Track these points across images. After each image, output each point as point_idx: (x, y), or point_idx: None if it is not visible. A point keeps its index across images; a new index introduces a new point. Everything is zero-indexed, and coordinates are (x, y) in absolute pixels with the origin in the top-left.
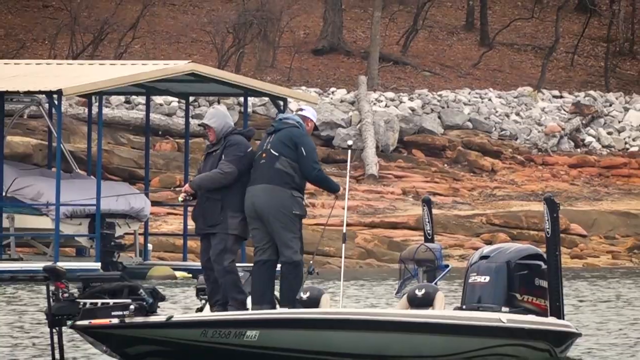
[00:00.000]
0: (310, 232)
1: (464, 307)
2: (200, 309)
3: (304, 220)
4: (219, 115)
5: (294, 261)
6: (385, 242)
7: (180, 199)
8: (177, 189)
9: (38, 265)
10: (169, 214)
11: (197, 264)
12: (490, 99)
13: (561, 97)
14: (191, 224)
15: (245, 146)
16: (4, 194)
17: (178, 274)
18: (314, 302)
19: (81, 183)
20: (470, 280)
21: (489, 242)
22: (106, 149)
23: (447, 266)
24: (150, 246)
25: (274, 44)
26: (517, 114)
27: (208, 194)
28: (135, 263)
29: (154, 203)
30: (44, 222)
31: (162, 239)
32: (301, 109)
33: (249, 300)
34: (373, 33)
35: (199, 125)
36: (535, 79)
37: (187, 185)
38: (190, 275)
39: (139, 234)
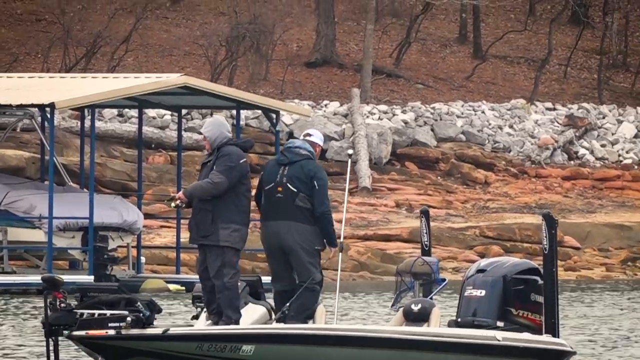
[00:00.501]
0: None
1: (459, 320)
2: (196, 317)
3: None
4: (215, 124)
5: (316, 280)
6: (379, 255)
7: (172, 204)
8: (168, 201)
9: (31, 278)
10: (162, 226)
11: (190, 276)
12: (483, 112)
13: (554, 109)
14: (184, 237)
15: (237, 157)
16: None
17: (171, 286)
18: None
19: (74, 196)
20: (466, 294)
21: (482, 255)
22: (99, 162)
23: (443, 280)
24: (143, 259)
25: (266, 57)
26: (511, 127)
27: (200, 204)
28: (128, 276)
29: (147, 216)
30: (37, 235)
31: (155, 251)
32: (309, 134)
33: (242, 320)
34: (366, 46)
35: (199, 132)
36: (528, 91)
37: (181, 192)
38: (184, 288)
39: (132, 247)
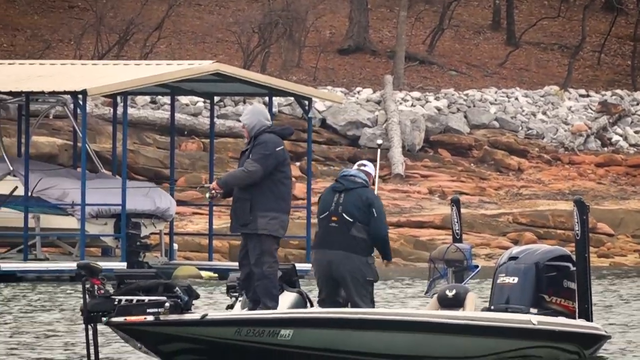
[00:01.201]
0: None
1: (492, 307)
2: (230, 307)
3: None
4: (253, 112)
5: None
6: (412, 242)
7: (207, 195)
8: (201, 187)
9: (64, 265)
10: (194, 213)
11: (223, 263)
12: (516, 98)
13: (588, 96)
14: (216, 224)
15: (273, 145)
16: (29, 194)
17: (204, 273)
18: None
19: (106, 183)
20: (498, 281)
21: (515, 242)
22: (132, 149)
23: (476, 266)
24: (175, 246)
25: (299, 44)
26: (544, 113)
27: (239, 193)
28: (160, 263)
29: (180, 203)
30: (70, 222)
31: (187, 238)
32: (364, 164)
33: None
34: (399, 32)
35: (239, 121)
36: (561, 77)
37: (215, 182)
38: (216, 275)
39: (165, 234)
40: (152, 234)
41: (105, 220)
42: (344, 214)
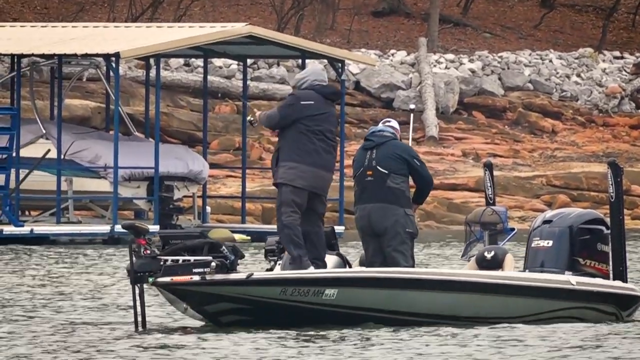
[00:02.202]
0: None
1: (526, 271)
2: (270, 270)
3: None
4: (306, 70)
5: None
6: (445, 204)
7: (249, 117)
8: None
9: (97, 228)
10: (227, 176)
11: (256, 226)
12: (550, 60)
13: (622, 57)
14: (250, 186)
15: (299, 98)
16: (62, 157)
17: (237, 236)
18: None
19: (139, 146)
20: (533, 245)
21: (548, 204)
22: (165, 111)
23: (512, 229)
24: (208, 209)
25: (333, 6)
26: (578, 75)
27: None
28: (193, 226)
29: (213, 165)
30: (102, 185)
31: (220, 201)
32: (388, 121)
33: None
34: None
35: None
36: (596, 40)
37: (261, 112)
38: (249, 237)
39: (198, 197)
40: (184, 196)
41: (138, 183)
42: (378, 167)
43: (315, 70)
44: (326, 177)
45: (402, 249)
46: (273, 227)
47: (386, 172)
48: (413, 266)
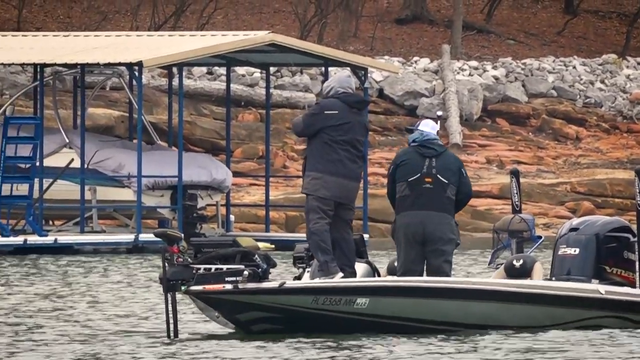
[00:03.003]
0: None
1: (553, 278)
2: (298, 278)
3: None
4: (332, 78)
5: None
6: (469, 211)
7: None
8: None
9: (121, 237)
10: (251, 184)
11: (280, 234)
12: (574, 67)
13: None
14: (273, 195)
15: (322, 107)
16: (86, 166)
17: (261, 245)
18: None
19: (162, 155)
20: (559, 252)
21: (573, 211)
22: (188, 120)
23: (540, 237)
24: (232, 217)
25: (356, 14)
26: (602, 82)
27: None
28: (217, 234)
29: (236, 174)
30: (126, 194)
31: (244, 210)
32: (426, 124)
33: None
34: (456, 1)
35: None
36: (620, 46)
37: None
38: (273, 246)
39: (221, 205)
40: (208, 205)
41: (162, 192)
42: (438, 176)
43: (341, 78)
44: (351, 186)
45: (450, 259)
46: (297, 235)
47: (446, 182)
48: (450, 270)
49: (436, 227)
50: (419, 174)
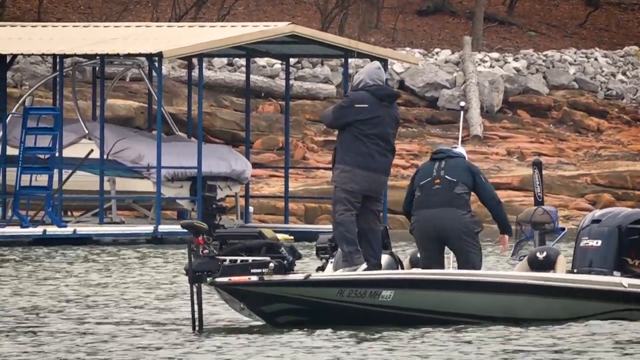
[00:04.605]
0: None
1: (574, 270)
2: (321, 268)
3: (408, 182)
4: (362, 70)
5: (476, 269)
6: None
7: None
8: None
9: (140, 228)
10: (270, 176)
11: (299, 226)
12: (596, 59)
13: None
14: (292, 186)
15: (352, 100)
16: (105, 157)
17: (280, 236)
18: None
19: (182, 146)
20: (581, 244)
21: (593, 203)
22: (208, 111)
23: (563, 229)
24: (251, 209)
25: (377, 5)
26: (624, 74)
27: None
28: (236, 226)
29: (256, 165)
30: (145, 185)
31: (263, 201)
32: (455, 147)
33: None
34: None
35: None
36: None
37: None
38: (292, 237)
39: (240, 197)
40: (227, 196)
41: (181, 183)
42: (446, 176)
43: (370, 70)
44: (380, 179)
45: (475, 250)
46: (316, 226)
47: (454, 180)
48: (481, 260)
49: (447, 222)
50: (429, 178)
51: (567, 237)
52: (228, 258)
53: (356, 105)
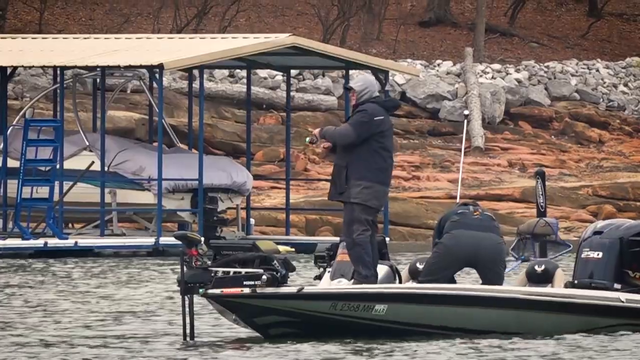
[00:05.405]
0: (415, 205)
1: (575, 282)
2: (318, 277)
3: (410, 194)
4: (363, 80)
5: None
6: None
7: (307, 139)
8: (308, 135)
9: (141, 240)
10: (272, 188)
11: (300, 238)
12: (597, 70)
13: None
14: (293, 198)
15: (372, 114)
16: (106, 168)
17: (281, 248)
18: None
19: (183, 157)
20: (582, 256)
21: (595, 214)
22: (209, 123)
23: (568, 246)
24: (252, 220)
25: (379, 16)
26: (625, 85)
27: (336, 160)
28: (237, 238)
29: (257, 177)
30: (146, 197)
31: (264, 213)
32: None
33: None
34: (480, 4)
35: (344, 87)
36: None
37: (318, 129)
38: (294, 249)
39: (242, 209)
40: (228, 208)
41: (182, 195)
42: (484, 212)
43: (372, 81)
44: (387, 192)
45: (502, 276)
46: (317, 238)
47: (493, 216)
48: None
49: (486, 247)
50: (467, 210)
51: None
52: (221, 270)
53: (375, 119)
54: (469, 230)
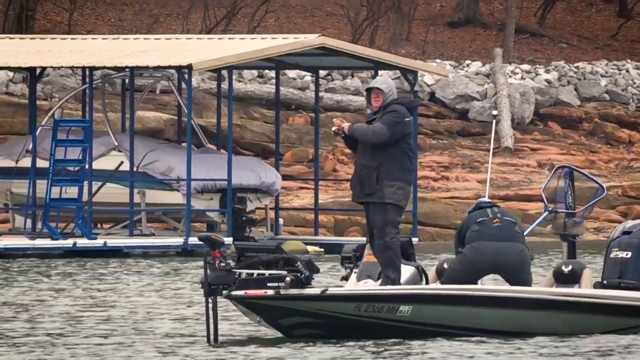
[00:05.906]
0: (443, 205)
1: (604, 282)
2: (345, 278)
3: (439, 194)
4: (386, 81)
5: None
6: (519, 215)
7: (333, 128)
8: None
9: (170, 241)
10: (300, 188)
11: (329, 238)
12: (627, 71)
13: None
14: (322, 198)
15: (403, 115)
16: (135, 169)
17: (310, 248)
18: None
19: (212, 158)
20: (611, 255)
21: (624, 215)
22: (238, 123)
23: (602, 186)
24: (281, 221)
25: (408, 17)
26: None
27: (364, 161)
28: (266, 238)
29: (286, 177)
30: (175, 198)
31: (292, 213)
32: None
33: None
34: (509, 5)
35: (366, 90)
36: None
37: (346, 123)
38: (322, 249)
39: (270, 209)
40: (257, 208)
41: (211, 195)
42: (504, 217)
43: (392, 83)
44: None
45: (530, 282)
46: (345, 239)
47: (513, 220)
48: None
49: (510, 257)
50: (486, 217)
51: (596, 246)
52: (244, 271)
53: (406, 120)
54: (490, 242)
